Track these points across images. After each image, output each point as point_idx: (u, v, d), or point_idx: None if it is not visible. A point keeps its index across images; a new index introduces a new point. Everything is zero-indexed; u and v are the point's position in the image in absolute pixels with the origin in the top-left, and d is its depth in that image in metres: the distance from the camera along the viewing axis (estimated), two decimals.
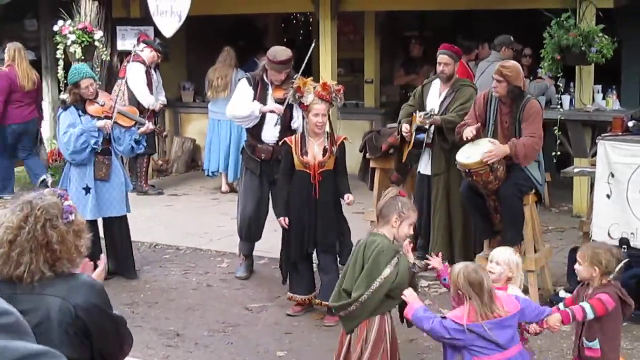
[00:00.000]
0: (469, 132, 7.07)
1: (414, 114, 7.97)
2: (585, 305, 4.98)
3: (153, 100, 11.70)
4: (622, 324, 5.21)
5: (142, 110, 11.53)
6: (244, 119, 7.88)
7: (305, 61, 7.67)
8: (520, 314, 4.72)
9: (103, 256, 3.86)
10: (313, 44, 7.99)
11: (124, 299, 7.66)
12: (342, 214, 7.24)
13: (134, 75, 11.51)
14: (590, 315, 4.98)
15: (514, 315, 4.65)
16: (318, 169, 6.97)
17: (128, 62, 11.71)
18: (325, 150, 7.00)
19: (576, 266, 5.15)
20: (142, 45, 11.63)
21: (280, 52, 7.70)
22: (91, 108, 7.92)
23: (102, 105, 7.95)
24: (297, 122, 7.60)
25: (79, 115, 7.89)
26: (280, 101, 7.66)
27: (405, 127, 7.92)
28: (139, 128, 8.09)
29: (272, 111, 7.68)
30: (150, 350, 6.53)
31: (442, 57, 7.88)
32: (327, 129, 7.05)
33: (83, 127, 7.80)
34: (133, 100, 11.45)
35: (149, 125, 8.21)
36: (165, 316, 7.33)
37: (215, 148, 11.94)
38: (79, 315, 3.31)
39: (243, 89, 7.87)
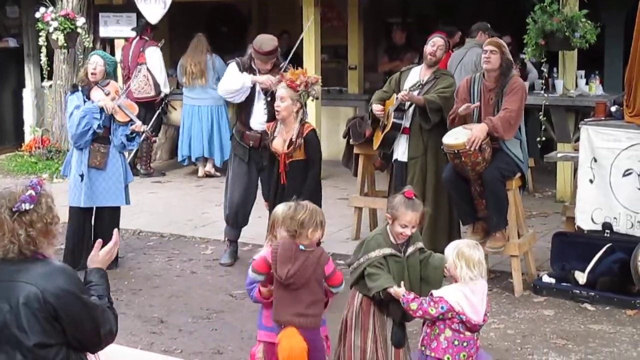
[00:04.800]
0: (463, 108, 7.08)
1: (387, 100, 7.95)
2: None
3: (168, 86, 12.04)
4: (282, 291, 4.86)
5: (159, 94, 11.69)
6: (236, 92, 7.84)
7: (294, 49, 7.63)
8: None
9: (116, 232, 3.96)
10: (303, 33, 7.94)
11: None
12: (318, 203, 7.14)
13: (156, 60, 11.84)
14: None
15: None
16: (286, 158, 6.94)
17: (143, 47, 11.76)
18: (291, 142, 6.92)
19: None
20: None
21: (266, 42, 7.66)
22: (95, 94, 7.91)
23: (107, 95, 7.91)
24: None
25: (84, 101, 7.90)
26: (265, 91, 7.67)
27: (377, 107, 7.88)
28: (132, 125, 8.03)
29: (265, 84, 7.64)
30: (135, 337, 6.51)
31: (438, 40, 7.80)
32: (305, 118, 7.00)
33: (85, 109, 7.79)
34: (156, 85, 11.67)
35: (139, 125, 8.06)
36: (149, 303, 7.32)
37: (198, 134, 11.97)
38: (48, 300, 3.37)
39: (233, 71, 7.86)
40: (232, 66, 7.92)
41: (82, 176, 7.88)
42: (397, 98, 7.76)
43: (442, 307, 4.74)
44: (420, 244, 5.20)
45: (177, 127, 12.85)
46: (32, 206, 3.48)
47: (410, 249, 5.14)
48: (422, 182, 7.85)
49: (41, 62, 11.90)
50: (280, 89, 6.88)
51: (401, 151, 7.95)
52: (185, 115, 12.14)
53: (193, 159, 12.18)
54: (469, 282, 4.74)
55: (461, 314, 4.72)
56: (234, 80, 7.82)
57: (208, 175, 12.11)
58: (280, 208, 5.13)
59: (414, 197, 5.12)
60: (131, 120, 8.00)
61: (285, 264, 4.82)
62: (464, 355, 4.81)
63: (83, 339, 3.50)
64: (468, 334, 4.80)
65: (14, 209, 3.46)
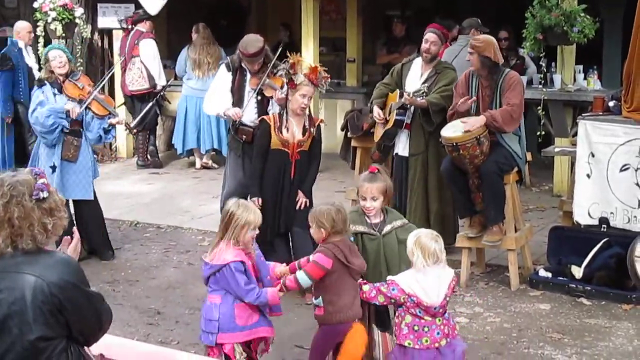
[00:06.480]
0: (462, 102, 7.11)
1: (389, 94, 7.96)
2: (299, 274, 5.03)
3: (164, 79, 12.04)
4: (351, 281, 5.07)
5: (155, 87, 11.67)
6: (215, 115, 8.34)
7: (274, 60, 7.62)
8: None
9: (75, 229, 3.83)
10: (281, 46, 7.99)
11: (104, 277, 7.65)
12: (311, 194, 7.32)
13: (150, 52, 11.85)
14: (306, 283, 5.02)
15: None
16: (297, 148, 6.99)
17: (138, 40, 11.76)
18: (305, 130, 7.02)
19: (311, 230, 5.19)
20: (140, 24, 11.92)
21: (251, 44, 7.62)
22: (68, 88, 7.88)
23: (81, 89, 7.91)
24: (272, 110, 7.58)
25: (54, 94, 7.85)
26: (254, 89, 7.69)
27: (377, 111, 7.90)
28: (109, 118, 8.05)
29: (234, 115, 7.73)
30: (131, 329, 6.52)
31: (430, 36, 7.80)
32: (307, 111, 7.10)
33: (50, 108, 7.75)
34: (150, 78, 11.72)
35: (119, 119, 8.24)
36: (146, 294, 7.32)
37: (207, 125, 11.90)
38: (54, 292, 3.31)
39: (221, 78, 7.89)
40: (222, 70, 7.96)
41: (52, 168, 7.83)
42: (399, 95, 7.75)
43: (393, 289, 4.93)
44: (399, 222, 5.40)
45: (175, 118, 12.83)
46: (48, 194, 3.44)
47: (387, 228, 5.35)
48: (424, 179, 7.85)
49: (39, 53, 11.87)
50: (307, 87, 6.91)
51: (402, 146, 7.95)
52: (189, 106, 12.05)
53: (203, 151, 12.12)
54: (421, 269, 4.91)
55: (412, 296, 4.89)
56: (210, 106, 7.96)
57: (205, 167, 12.11)
58: (234, 206, 5.05)
59: (376, 172, 5.42)
60: (110, 113, 8.01)
61: (356, 257, 5.06)
62: (426, 340, 4.93)
63: (86, 330, 3.47)
64: (428, 318, 4.93)
65: (33, 197, 3.39)
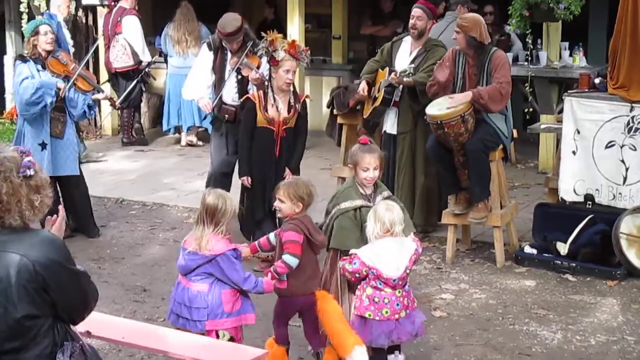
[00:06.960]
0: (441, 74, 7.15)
1: (379, 70, 7.94)
2: (286, 257, 5.05)
3: (149, 55, 11.89)
4: (312, 255, 5.20)
5: (139, 64, 11.59)
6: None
7: (248, 49, 7.61)
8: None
9: (61, 207, 3.81)
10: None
11: (90, 255, 7.64)
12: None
13: (133, 29, 11.72)
14: (294, 262, 5.04)
15: None
16: (282, 125, 6.99)
17: (121, 16, 11.68)
18: (290, 107, 7.01)
19: (277, 204, 5.18)
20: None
21: (229, 23, 7.58)
22: (53, 64, 7.81)
23: (65, 65, 7.86)
24: (252, 89, 7.55)
25: (38, 70, 7.77)
26: (233, 68, 7.68)
27: (363, 86, 7.88)
28: (93, 94, 8.01)
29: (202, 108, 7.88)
30: (117, 306, 6.52)
31: (416, 11, 7.79)
32: (292, 87, 7.11)
33: (42, 81, 7.67)
34: (134, 54, 11.63)
35: (105, 94, 8.29)
36: (132, 272, 7.32)
37: (188, 103, 11.81)
38: (38, 271, 3.30)
39: (203, 58, 7.88)
40: (203, 50, 7.94)
41: (42, 145, 7.75)
42: (388, 73, 7.73)
43: (355, 263, 5.07)
44: (386, 193, 5.52)
45: (161, 95, 12.77)
46: (34, 172, 3.42)
47: (379, 198, 5.43)
48: (412, 157, 7.86)
49: (22, 29, 11.78)
50: (290, 61, 6.92)
51: (390, 124, 7.96)
52: (171, 85, 11.99)
53: (184, 129, 12.07)
54: (374, 239, 5.07)
55: (372, 268, 5.03)
56: (189, 92, 8.02)
57: (190, 145, 12.08)
58: (216, 199, 4.95)
59: (369, 142, 5.51)
60: (94, 88, 7.98)
61: (318, 233, 5.18)
62: (386, 312, 5.08)
63: (70, 308, 3.46)
64: (388, 290, 5.07)
65: (20, 174, 3.37)
